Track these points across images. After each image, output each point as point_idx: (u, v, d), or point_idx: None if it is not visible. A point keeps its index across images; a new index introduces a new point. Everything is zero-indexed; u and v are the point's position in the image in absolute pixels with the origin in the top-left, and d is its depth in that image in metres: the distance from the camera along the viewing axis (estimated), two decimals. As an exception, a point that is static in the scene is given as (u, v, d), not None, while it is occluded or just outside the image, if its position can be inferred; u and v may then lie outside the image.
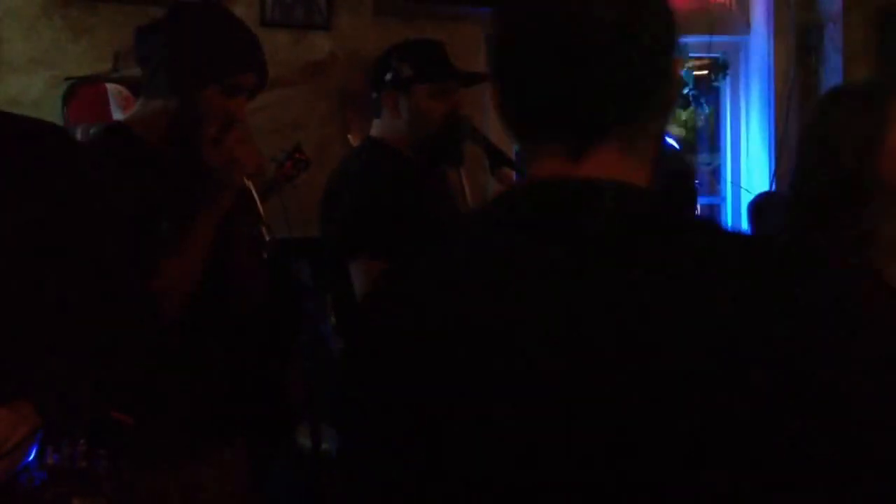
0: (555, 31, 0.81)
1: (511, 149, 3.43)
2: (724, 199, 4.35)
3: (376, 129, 2.31)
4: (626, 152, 0.83)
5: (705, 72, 4.18)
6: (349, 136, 3.27)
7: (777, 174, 4.13)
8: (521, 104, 0.85)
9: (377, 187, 2.15)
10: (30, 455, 1.34)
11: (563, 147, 0.83)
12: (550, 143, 0.84)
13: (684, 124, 4.67)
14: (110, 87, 2.76)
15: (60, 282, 1.44)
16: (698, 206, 4.23)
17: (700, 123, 4.52)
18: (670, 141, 4.21)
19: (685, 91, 4.08)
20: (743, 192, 4.24)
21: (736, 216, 4.30)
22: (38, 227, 1.42)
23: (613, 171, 0.81)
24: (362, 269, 2.08)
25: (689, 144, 4.60)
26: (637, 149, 0.84)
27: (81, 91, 2.83)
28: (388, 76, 2.23)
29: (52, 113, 2.72)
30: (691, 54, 4.06)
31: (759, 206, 3.75)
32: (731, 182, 4.31)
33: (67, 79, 2.94)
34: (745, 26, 4.21)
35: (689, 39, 4.05)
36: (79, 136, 2.56)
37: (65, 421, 1.35)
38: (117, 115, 2.68)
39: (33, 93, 2.96)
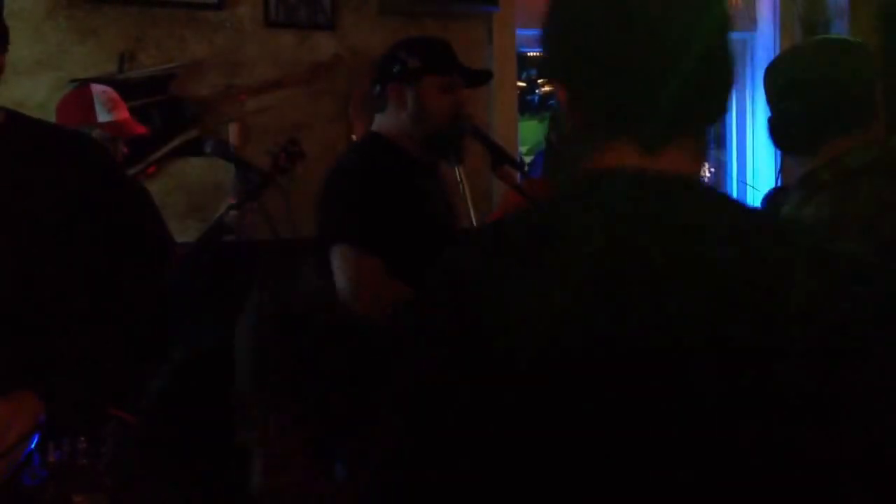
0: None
1: (513, 147, 3.43)
2: (730, 196, 4.34)
3: (377, 123, 2.31)
4: (695, 148, 0.86)
5: (711, 69, 4.16)
6: (353, 136, 3.28)
7: (783, 170, 4.11)
8: (603, 96, 0.85)
9: (369, 180, 2.14)
10: (30, 446, 1.34)
11: (638, 141, 0.84)
12: (624, 136, 0.85)
13: (690, 121, 4.66)
14: (95, 87, 2.71)
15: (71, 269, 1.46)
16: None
17: (706, 120, 4.51)
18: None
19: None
20: (749, 188, 4.22)
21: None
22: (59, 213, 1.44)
23: (685, 166, 0.85)
24: (341, 255, 2.07)
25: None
26: (703, 144, 0.87)
27: (68, 93, 2.79)
28: (396, 68, 2.23)
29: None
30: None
31: (772, 200, 3.73)
32: (737, 179, 4.30)
33: (73, 80, 2.96)
34: (751, 22, 4.19)
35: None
36: None
37: (67, 414, 1.36)
38: (102, 118, 2.61)
39: (39, 95, 2.97)
